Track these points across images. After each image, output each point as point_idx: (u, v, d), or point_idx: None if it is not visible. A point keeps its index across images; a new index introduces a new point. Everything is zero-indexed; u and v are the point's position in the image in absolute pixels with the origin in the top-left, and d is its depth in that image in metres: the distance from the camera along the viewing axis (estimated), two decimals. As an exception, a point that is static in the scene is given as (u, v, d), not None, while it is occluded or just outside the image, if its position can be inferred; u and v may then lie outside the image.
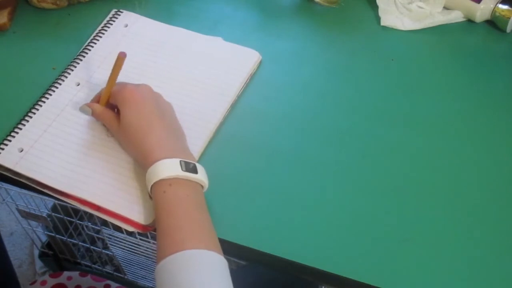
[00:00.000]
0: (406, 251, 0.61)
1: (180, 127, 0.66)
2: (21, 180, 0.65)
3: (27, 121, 0.69)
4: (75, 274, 0.97)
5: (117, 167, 0.65)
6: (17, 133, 0.68)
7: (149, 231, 0.62)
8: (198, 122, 0.70)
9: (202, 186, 0.60)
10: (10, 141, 0.67)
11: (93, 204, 0.63)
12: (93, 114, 0.67)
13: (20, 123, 0.69)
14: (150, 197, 0.60)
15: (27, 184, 0.65)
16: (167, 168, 0.58)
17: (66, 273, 0.97)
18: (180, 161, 0.59)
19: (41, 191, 0.64)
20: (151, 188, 0.59)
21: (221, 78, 0.75)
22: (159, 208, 0.57)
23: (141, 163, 0.62)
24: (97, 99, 0.69)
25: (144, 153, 0.61)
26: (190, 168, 0.59)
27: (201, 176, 0.60)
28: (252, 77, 0.77)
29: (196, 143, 0.68)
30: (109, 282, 0.95)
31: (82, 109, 0.69)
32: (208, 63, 0.77)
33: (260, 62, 0.78)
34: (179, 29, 0.81)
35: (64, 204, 0.64)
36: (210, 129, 0.70)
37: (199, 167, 0.60)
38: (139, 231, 0.62)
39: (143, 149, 0.61)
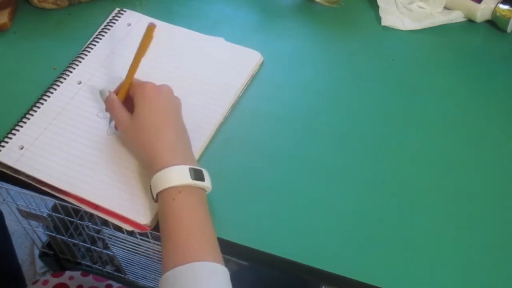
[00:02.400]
0: (407, 251, 0.61)
1: (187, 133, 0.66)
2: (20, 177, 0.65)
3: (28, 119, 0.69)
4: (76, 274, 0.97)
5: (117, 167, 0.65)
6: (18, 130, 0.68)
7: (149, 231, 0.62)
8: (198, 122, 0.70)
9: (206, 191, 0.61)
10: (10, 138, 0.67)
11: (91, 202, 0.63)
12: (107, 100, 0.66)
13: (21, 120, 0.69)
14: (154, 200, 0.60)
15: (28, 184, 0.65)
16: (178, 175, 0.58)
17: (68, 273, 0.97)
18: (189, 168, 0.59)
19: (41, 190, 0.64)
20: (158, 193, 0.58)
21: (222, 78, 0.75)
22: (167, 215, 0.57)
23: (148, 165, 0.61)
24: (117, 91, 0.68)
25: (152, 154, 0.60)
26: (198, 175, 0.59)
27: (208, 182, 0.60)
28: (252, 79, 0.77)
29: (196, 144, 0.68)
30: (110, 282, 0.95)
31: (101, 92, 0.69)
32: (210, 63, 0.77)
33: (262, 63, 0.78)
34: (182, 29, 0.81)
35: (65, 204, 0.64)
36: (210, 130, 0.70)
37: (205, 173, 0.60)
38: (137, 230, 0.62)
39: (152, 150, 0.60)
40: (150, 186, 0.60)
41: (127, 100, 0.66)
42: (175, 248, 0.55)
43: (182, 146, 0.62)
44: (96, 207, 0.63)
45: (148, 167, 0.61)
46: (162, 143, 0.60)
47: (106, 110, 0.67)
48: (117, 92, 0.67)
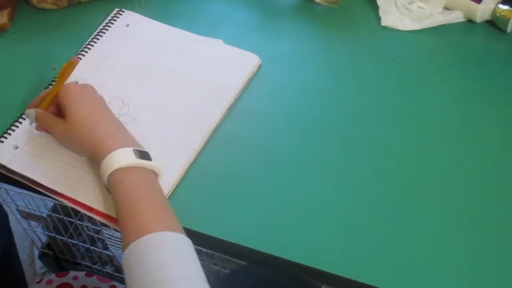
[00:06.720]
0: (407, 252, 0.61)
1: (122, 123, 0.66)
2: (14, 177, 0.65)
3: (24, 119, 0.69)
4: (81, 274, 0.97)
5: None
6: (13, 130, 0.68)
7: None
8: (195, 123, 0.70)
9: (156, 174, 0.61)
10: (6, 138, 0.67)
11: (85, 204, 0.63)
12: (37, 117, 0.66)
13: (17, 121, 0.69)
14: (107, 190, 0.60)
15: (25, 184, 0.65)
16: (122, 157, 0.58)
17: (72, 273, 0.97)
18: (134, 149, 0.59)
19: (39, 190, 0.64)
20: (107, 179, 0.59)
21: (220, 81, 0.75)
22: (118, 198, 0.57)
23: (94, 157, 0.61)
24: (36, 104, 0.67)
25: (95, 145, 0.60)
26: (144, 155, 0.60)
27: (156, 163, 0.60)
28: (251, 79, 0.77)
29: (191, 146, 0.68)
30: (115, 283, 0.95)
31: (27, 114, 0.67)
32: (208, 65, 0.77)
33: (260, 66, 0.78)
34: (181, 31, 0.81)
35: (64, 204, 0.64)
36: (207, 132, 0.70)
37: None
38: None
39: (94, 142, 0.61)
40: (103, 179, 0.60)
41: (58, 110, 0.66)
42: (127, 227, 0.55)
43: (121, 132, 0.63)
44: (90, 209, 0.62)
45: (95, 160, 0.61)
46: (100, 132, 0.61)
47: (39, 127, 0.67)
48: (37, 104, 0.67)
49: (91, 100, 0.65)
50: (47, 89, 0.68)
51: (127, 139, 0.62)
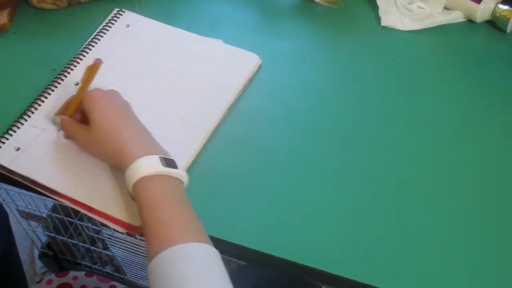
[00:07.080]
0: (406, 252, 0.61)
1: (147, 130, 0.65)
2: (14, 177, 0.65)
3: (26, 120, 0.69)
4: (81, 274, 0.97)
5: (110, 169, 0.65)
6: (14, 131, 0.68)
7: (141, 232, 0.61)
8: (194, 124, 0.70)
9: (182, 182, 0.60)
10: (7, 139, 0.67)
11: (85, 204, 0.63)
12: (62, 125, 0.66)
13: (18, 121, 0.69)
14: (132, 198, 0.59)
15: (25, 184, 0.65)
16: (148, 165, 0.58)
17: (72, 273, 0.97)
18: (160, 157, 0.58)
19: (39, 191, 0.64)
20: (132, 187, 0.58)
21: (220, 80, 0.75)
22: (143, 206, 0.57)
23: (119, 165, 0.61)
24: (62, 111, 0.67)
25: (120, 152, 0.60)
26: (170, 163, 0.59)
27: (181, 171, 0.59)
28: (251, 79, 0.77)
29: (191, 146, 0.68)
30: (114, 283, 0.95)
31: (53, 121, 0.68)
32: (208, 65, 0.77)
33: (260, 65, 0.78)
34: (181, 31, 0.81)
35: (64, 204, 0.64)
36: (206, 132, 0.70)
37: (178, 163, 0.60)
38: (130, 232, 0.61)
39: (119, 148, 0.60)
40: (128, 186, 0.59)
41: (83, 117, 0.66)
42: (153, 237, 0.54)
43: (147, 139, 0.62)
44: (90, 209, 0.62)
45: (119, 167, 0.61)
46: (125, 138, 0.60)
47: (67, 136, 0.67)
48: (63, 111, 0.67)
49: (116, 106, 0.64)
50: (72, 96, 0.67)
51: (152, 146, 0.61)
